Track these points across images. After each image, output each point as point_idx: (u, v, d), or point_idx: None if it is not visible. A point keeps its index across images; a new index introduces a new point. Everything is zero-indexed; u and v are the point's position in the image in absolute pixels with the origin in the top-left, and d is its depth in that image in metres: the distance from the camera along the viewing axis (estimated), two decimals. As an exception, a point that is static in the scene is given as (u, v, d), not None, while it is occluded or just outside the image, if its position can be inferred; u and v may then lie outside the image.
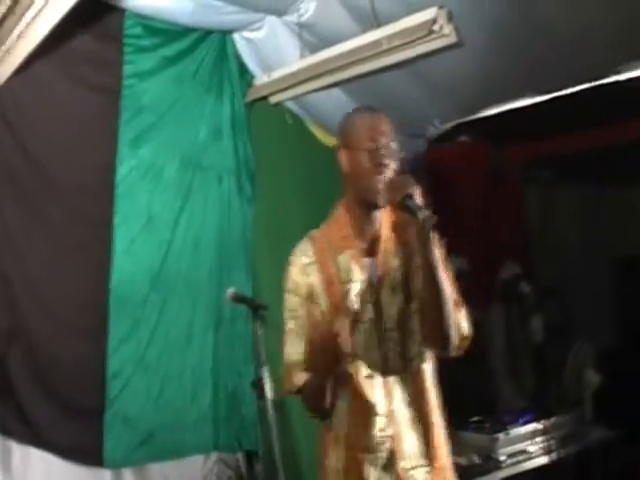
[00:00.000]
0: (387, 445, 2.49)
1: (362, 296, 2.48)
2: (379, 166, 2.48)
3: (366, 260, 2.56)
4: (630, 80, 4.05)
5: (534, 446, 4.64)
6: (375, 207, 2.54)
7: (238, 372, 4.48)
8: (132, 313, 4.16)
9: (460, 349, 2.57)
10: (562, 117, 5.22)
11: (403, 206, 2.35)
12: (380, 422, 2.49)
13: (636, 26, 3.48)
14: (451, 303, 2.47)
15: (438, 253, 2.43)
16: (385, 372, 2.52)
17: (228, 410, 4.47)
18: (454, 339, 2.49)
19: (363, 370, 2.51)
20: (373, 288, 2.53)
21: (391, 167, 2.50)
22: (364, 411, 2.50)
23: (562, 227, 7.48)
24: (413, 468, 2.51)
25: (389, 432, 2.49)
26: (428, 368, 2.60)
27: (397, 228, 2.61)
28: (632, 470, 4.13)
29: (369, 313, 2.52)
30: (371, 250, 2.58)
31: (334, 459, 2.57)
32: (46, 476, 3.93)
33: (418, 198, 2.35)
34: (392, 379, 2.52)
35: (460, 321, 2.54)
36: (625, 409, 5.43)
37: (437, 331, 2.48)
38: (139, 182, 4.22)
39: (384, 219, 2.61)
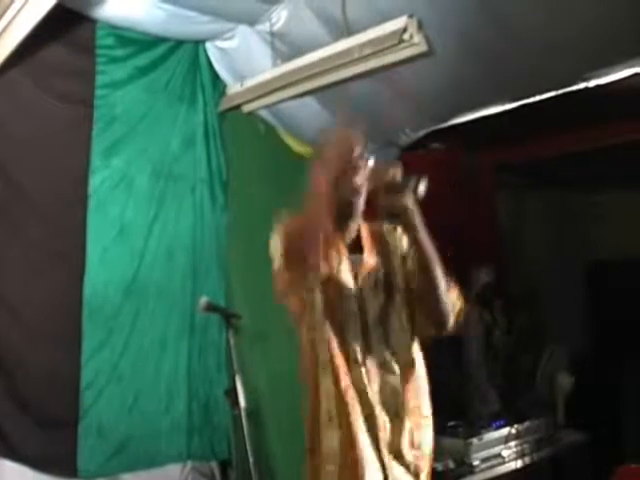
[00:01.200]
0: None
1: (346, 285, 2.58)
2: (355, 182, 2.53)
3: (350, 255, 2.63)
4: (598, 87, 4.10)
5: (508, 450, 4.68)
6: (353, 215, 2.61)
7: (211, 381, 4.48)
8: (105, 323, 4.14)
9: (455, 324, 2.63)
10: (533, 124, 5.27)
11: (389, 191, 2.42)
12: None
13: (603, 36, 3.54)
14: (443, 277, 2.53)
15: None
16: (371, 363, 2.57)
17: (202, 419, 4.45)
18: (450, 314, 2.58)
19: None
20: (357, 281, 2.60)
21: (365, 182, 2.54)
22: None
23: (534, 232, 7.54)
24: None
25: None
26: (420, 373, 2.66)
27: (375, 239, 2.70)
28: (604, 473, 4.15)
29: (353, 305, 2.58)
30: (354, 248, 2.65)
31: None
32: (20, 488, 3.91)
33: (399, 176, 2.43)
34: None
35: (454, 298, 2.61)
36: (597, 413, 5.48)
37: (435, 306, 2.55)
38: (112, 192, 4.21)
39: (361, 230, 2.68)
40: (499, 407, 5.43)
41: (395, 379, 2.60)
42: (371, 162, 2.55)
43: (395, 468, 2.55)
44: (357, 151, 2.55)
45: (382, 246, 2.71)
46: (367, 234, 2.70)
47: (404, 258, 2.69)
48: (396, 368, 2.60)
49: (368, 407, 2.52)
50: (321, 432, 2.56)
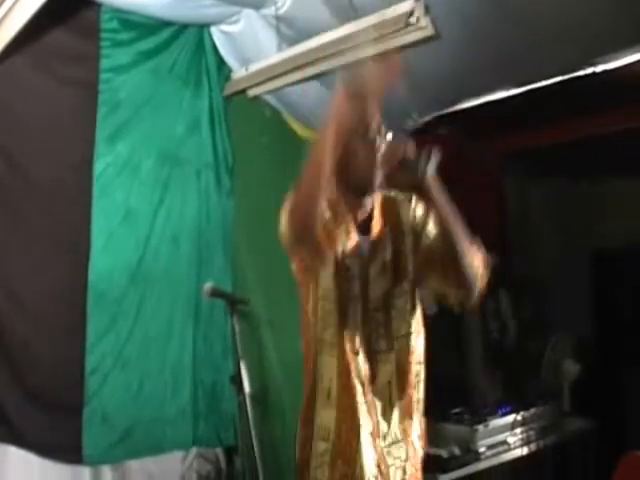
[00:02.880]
0: None
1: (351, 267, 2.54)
2: (372, 151, 2.50)
3: (359, 236, 2.58)
4: (606, 72, 4.07)
5: (513, 437, 4.67)
6: (369, 191, 2.57)
7: (216, 367, 4.47)
8: (110, 309, 4.13)
9: (481, 292, 2.57)
10: (539, 109, 5.23)
11: (403, 169, 2.40)
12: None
13: (611, 20, 3.51)
14: (466, 243, 2.49)
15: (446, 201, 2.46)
16: (368, 352, 2.54)
17: (207, 405, 4.45)
18: (477, 280, 2.52)
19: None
20: (363, 264, 2.56)
21: (382, 149, 2.50)
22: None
23: (539, 220, 7.50)
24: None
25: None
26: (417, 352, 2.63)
27: (386, 212, 2.65)
28: (609, 461, 4.15)
29: (355, 289, 2.54)
30: (363, 229, 2.60)
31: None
32: (25, 474, 3.90)
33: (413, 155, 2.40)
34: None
35: (479, 262, 2.55)
36: (602, 401, 5.47)
37: (461, 273, 2.50)
38: (116, 178, 4.19)
39: (375, 204, 2.63)
40: (504, 394, 5.42)
41: (391, 367, 2.57)
42: (389, 136, 2.51)
43: (388, 455, 2.55)
44: (373, 120, 2.51)
45: (393, 219, 2.65)
46: (379, 207, 2.64)
47: (416, 230, 2.63)
48: (392, 357, 2.58)
49: (364, 394, 2.52)
50: (316, 406, 2.56)
